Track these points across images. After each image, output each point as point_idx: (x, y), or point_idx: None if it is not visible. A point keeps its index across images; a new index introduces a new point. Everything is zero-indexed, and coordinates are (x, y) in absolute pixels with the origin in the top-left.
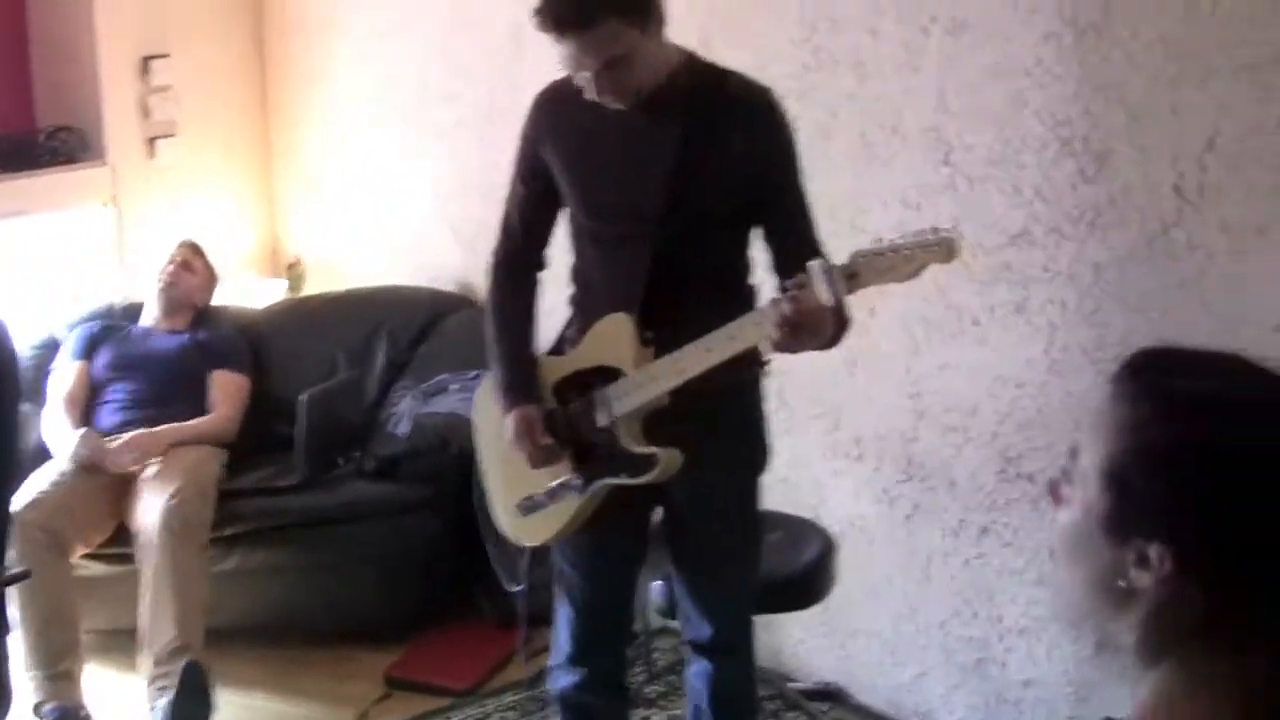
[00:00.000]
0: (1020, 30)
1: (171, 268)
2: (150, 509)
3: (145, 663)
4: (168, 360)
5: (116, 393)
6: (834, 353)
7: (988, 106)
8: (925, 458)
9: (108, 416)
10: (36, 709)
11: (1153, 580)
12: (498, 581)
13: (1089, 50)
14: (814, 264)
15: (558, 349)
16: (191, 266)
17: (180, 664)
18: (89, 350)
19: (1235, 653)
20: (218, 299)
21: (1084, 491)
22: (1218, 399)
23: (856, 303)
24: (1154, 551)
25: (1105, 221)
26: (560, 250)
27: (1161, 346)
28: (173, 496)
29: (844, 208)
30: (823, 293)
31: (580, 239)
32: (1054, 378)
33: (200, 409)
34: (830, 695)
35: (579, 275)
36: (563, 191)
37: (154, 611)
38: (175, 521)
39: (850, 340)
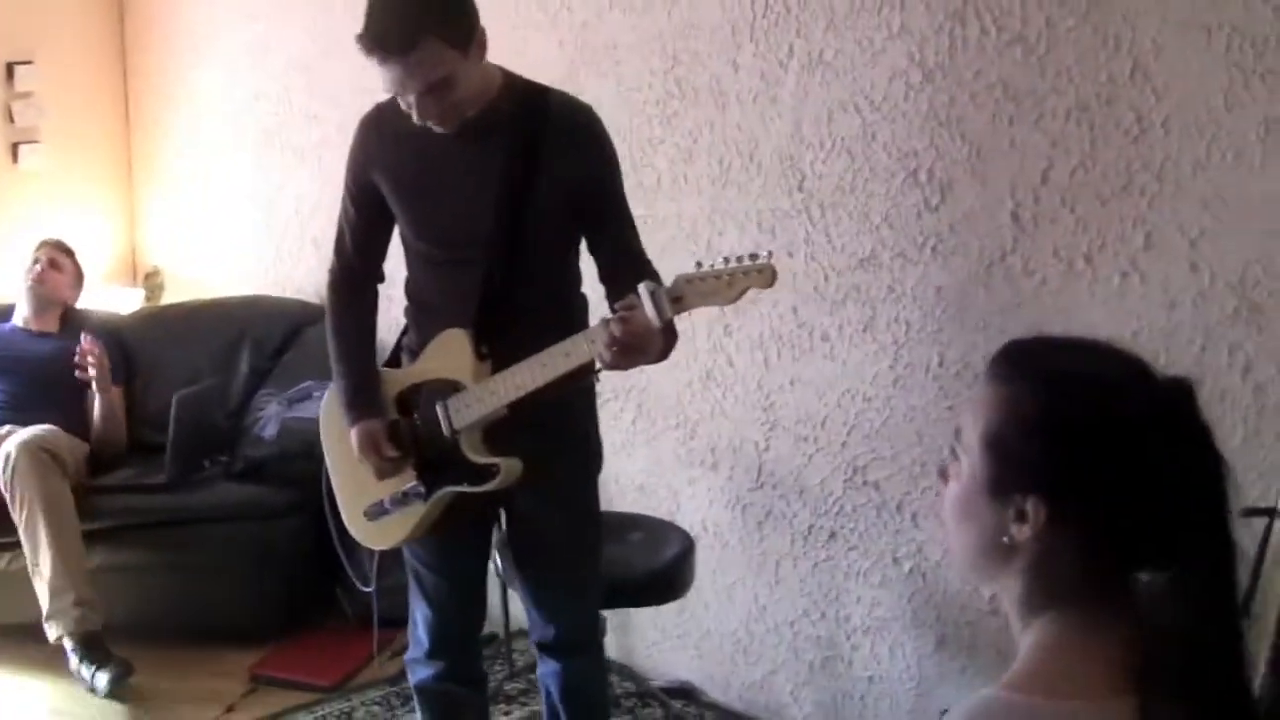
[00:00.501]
0: (871, 69)
1: (39, 267)
2: (14, 439)
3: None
4: (41, 363)
5: None
6: (690, 367)
7: (840, 138)
8: (776, 466)
9: None
10: None
11: (1031, 532)
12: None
13: (935, 89)
14: (642, 287)
15: (394, 360)
16: (59, 265)
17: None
18: None
19: (1108, 600)
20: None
21: (968, 462)
22: (1079, 372)
23: (714, 320)
24: (1030, 505)
25: (947, 247)
26: (396, 262)
27: (1030, 336)
28: (37, 430)
29: (703, 229)
30: (650, 314)
31: (413, 258)
32: (898, 392)
33: (73, 413)
34: (684, 694)
35: (412, 291)
36: (394, 212)
37: (35, 554)
38: (35, 445)
39: (705, 356)
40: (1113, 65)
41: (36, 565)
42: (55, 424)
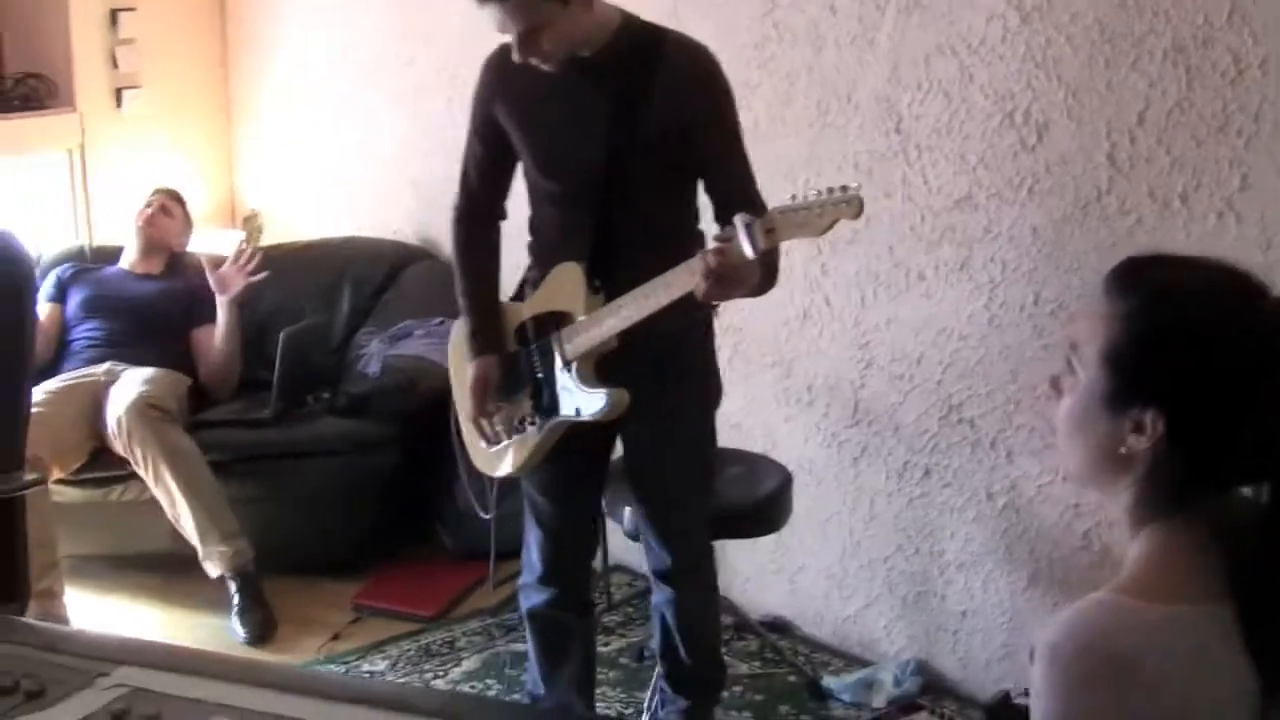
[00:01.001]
0: (968, 11)
1: (150, 210)
2: (116, 405)
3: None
4: (145, 302)
5: (91, 331)
6: (788, 306)
7: (936, 80)
8: (872, 404)
9: (80, 353)
10: None
11: (1148, 443)
12: (457, 516)
13: (1032, 31)
14: (737, 218)
15: (519, 295)
16: (170, 211)
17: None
18: (61, 293)
19: (1212, 512)
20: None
21: (1085, 375)
22: (1197, 287)
23: (811, 260)
24: (1149, 417)
25: (1043, 188)
26: (520, 201)
27: (1146, 253)
28: (141, 388)
29: (801, 170)
30: (745, 245)
31: (535, 193)
32: (993, 331)
33: (175, 353)
34: (779, 627)
35: (535, 226)
36: (516, 149)
37: (173, 507)
38: (143, 404)
39: (802, 295)
40: (1209, 6)
41: (177, 515)
42: (155, 362)
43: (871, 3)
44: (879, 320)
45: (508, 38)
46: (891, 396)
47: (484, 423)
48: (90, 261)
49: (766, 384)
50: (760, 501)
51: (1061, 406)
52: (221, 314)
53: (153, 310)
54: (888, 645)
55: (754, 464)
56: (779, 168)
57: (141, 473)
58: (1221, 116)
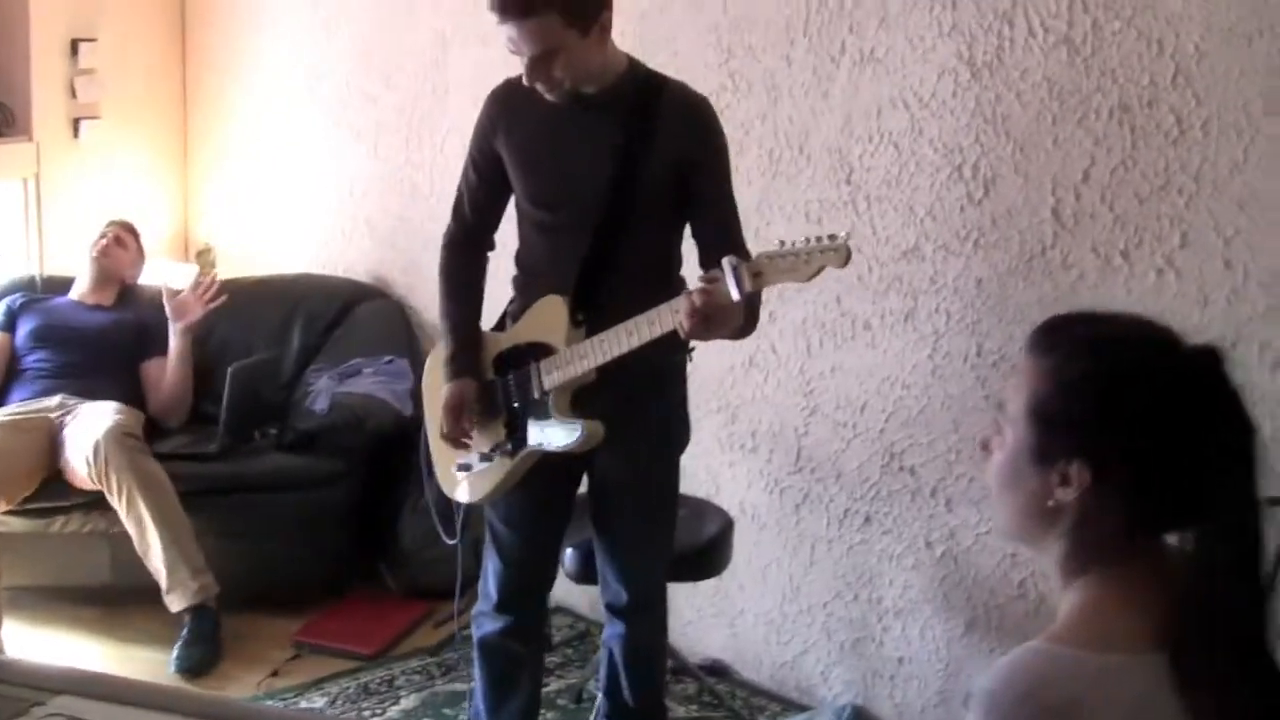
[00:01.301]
0: (920, 65)
1: (104, 241)
2: (89, 434)
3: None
4: (96, 333)
5: (41, 360)
6: (734, 353)
7: (888, 132)
8: (815, 451)
9: (29, 384)
10: None
11: (1075, 494)
12: (402, 554)
13: (982, 87)
14: (725, 260)
15: (500, 325)
16: (124, 243)
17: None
18: (10, 322)
19: (1145, 559)
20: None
21: (1012, 432)
22: (1113, 338)
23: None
24: (1074, 468)
25: (989, 241)
26: (506, 236)
27: (1067, 312)
28: (115, 417)
29: (752, 218)
30: (731, 286)
31: (525, 225)
32: (937, 381)
33: (125, 384)
34: (718, 671)
35: (522, 259)
36: (511, 180)
37: (143, 538)
38: (120, 432)
39: (749, 342)
40: (1155, 68)
41: (146, 546)
42: (109, 394)
43: (826, 54)
44: (824, 368)
45: (518, 62)
46: (834, 444)
47: (455, 444)
48: (41, 291)
49: (711, 429)
50: (702, 545)
51: (991, 465)
52: (175, 341)
53: (104, 340)
54: (825, 690)
55: (696, 508)
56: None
57: (115, 501)
58: (1164, 175)
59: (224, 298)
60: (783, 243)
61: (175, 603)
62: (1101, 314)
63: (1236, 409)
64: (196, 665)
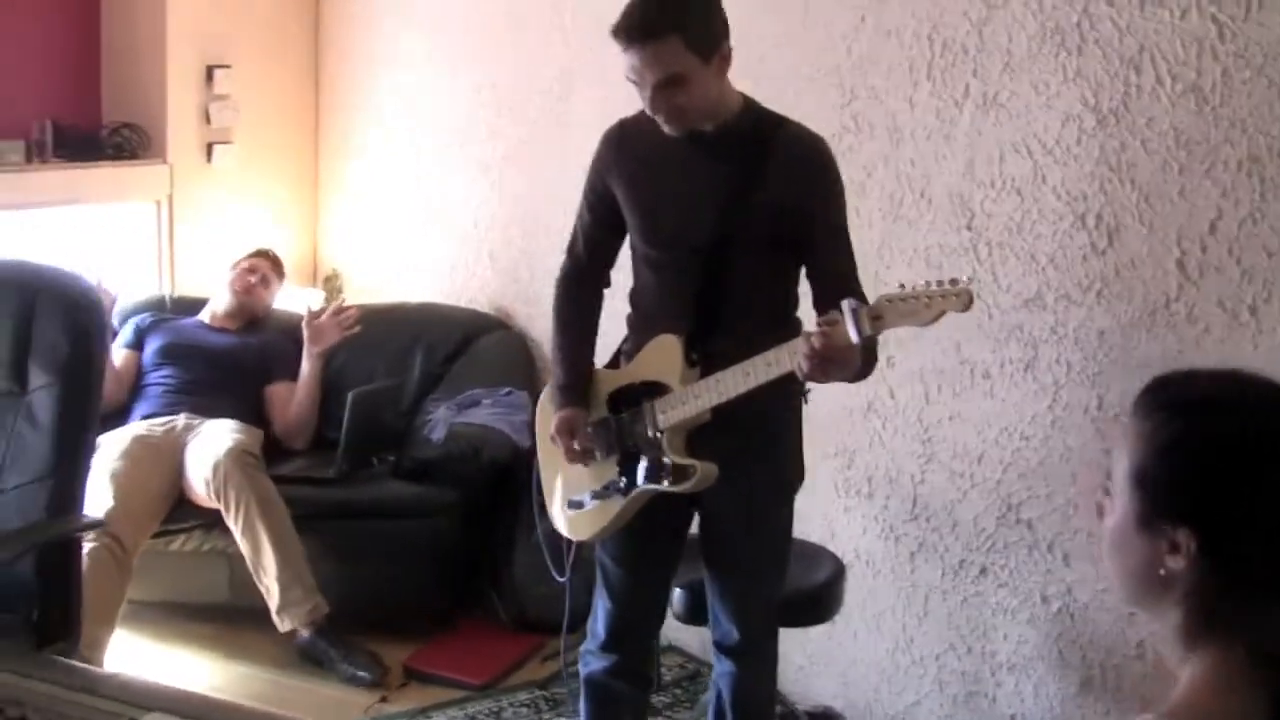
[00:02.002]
0: (1044, 112)
1: (254, 279)
2: (210, 452)
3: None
4: (221, 353)
5: (166, 377)
6: (852, 398)
7: (1010, 178)
8: (931, 499)
9: (153, 400)
10: None
11: (1185, 563)
12: (514, 586)
13: (1107, 134)
14: (845, 303)
15: (614, 363)
16: (270, 284)
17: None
18: (139, 340)
19: (1267, 632)
20: None
21: (1119, 499)
22: (1215, 399)
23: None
24: (1181, 535)
25: (1112, 292)
26: (621, 274)
27: (1171, 371)
28: (235, 436)
29: (872, 261)
30: (850, 329)
31: (639, 264)
32: (1056, 432)
33: (247, 405)
34: (828, 719)
35: (636, 297)
36: (625, 219)
37: (257, 557)
38: (239, 450)
39: (867, 387)
40: None
41: (260, 565)
42: (231, 413)
43: (950, 98)
44: (942, 416)
45: (639, 99)
46: (951, 493)
47: (580, 461)
48: (170, 312)
49: (827, 474)
50: (814, 590)
51: (1103, 530)
52: (308, 365)
53: (229, 361)
54: None
55: (810, 552)
56: (870, 283)
57: (231, 520)
58: None
59: (359, 327)
60: (903, 286)
61: (285, 622)
62: (1205, 372)
63: None
64: (377, 669)
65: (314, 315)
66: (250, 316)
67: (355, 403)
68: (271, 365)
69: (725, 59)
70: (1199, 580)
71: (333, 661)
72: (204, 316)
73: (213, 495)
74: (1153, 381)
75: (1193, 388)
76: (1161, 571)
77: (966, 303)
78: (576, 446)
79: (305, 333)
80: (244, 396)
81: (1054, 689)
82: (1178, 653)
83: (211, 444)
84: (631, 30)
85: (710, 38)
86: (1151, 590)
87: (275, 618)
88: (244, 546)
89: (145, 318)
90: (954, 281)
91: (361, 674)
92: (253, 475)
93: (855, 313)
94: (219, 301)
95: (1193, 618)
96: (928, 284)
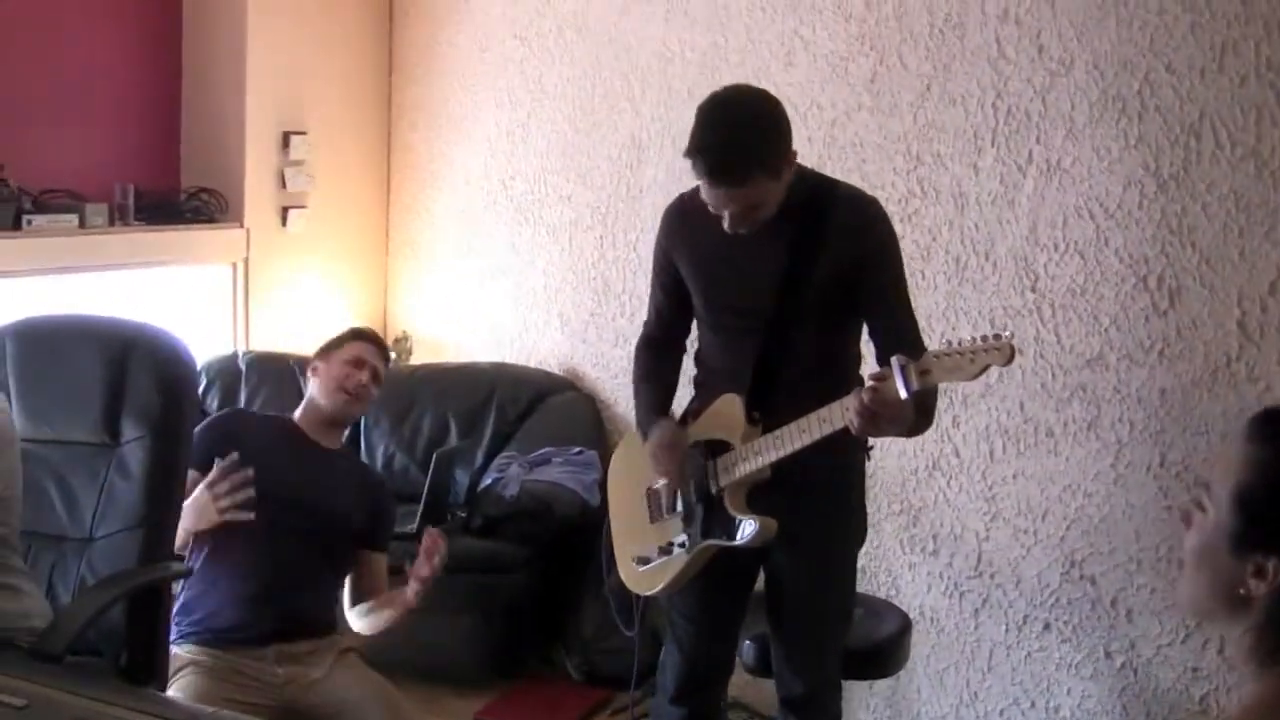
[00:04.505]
0: (1106, 176)
1: (364, 377)
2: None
3: None
4: (322, 510)
5: (241, 566)
6: (917, 456)
7: (1073, 241)
8: (995, 556)
9: (225, 605)
10: None
11: (1267, 589)
12: (583, 641)
13: (1168, 198)
14: (894, 359)
15: (682, 422)
16: (380, 379)
17: None
18: (207, 460)
19: None
20: None
21: (1215, 513)
22: None
23: (942, 411)
24: (1271, 564)
25: (1174, 352)
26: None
27: None
28: (359, 683)
29: (937, 323)
30: (899, 384)
31: (703, 327)
32: (1119, 490)
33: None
34: None
35: (701, 359)
36: (689, 288)
37: None
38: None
39: (932, 446)
40: None
41: None
42: (319, 597)
43: (1013, 163)
44: (1006, 474)
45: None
46: (1015, 550)
47: (656, 530)
48: (244, 369)
49: (891, 531)
50: (878, 645)
51: (1188, 539)
52: (394, 614)
53: (335, 524)
54: None
55: (874, 607)
56: (929, 338)
57: None
58: None
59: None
60: (949, 342)
61: None
62: None
63: None
64: None
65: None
66: (345, 426)
67: (438, 460)
68: (376, 530)
69: (791, 163)
70: (1276, 609)
71: None
72: (299, 424)
73: None
74: (1272, 410)
75: None
76: (1241, 592)
77: (1008, 357)
78: (678, 457)
79: (412, 583)
80: (339, 567)
81: None
82: (1242, 668)
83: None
84: (717, 173)
85: (785, 159)
86: (1226, 607)
87: None
88: None
89: (213, 433)
90: (997, 336)
91: None
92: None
93: (904, 368)
94: (313, 408)
95: (1263, 642)
96: (972, 339)
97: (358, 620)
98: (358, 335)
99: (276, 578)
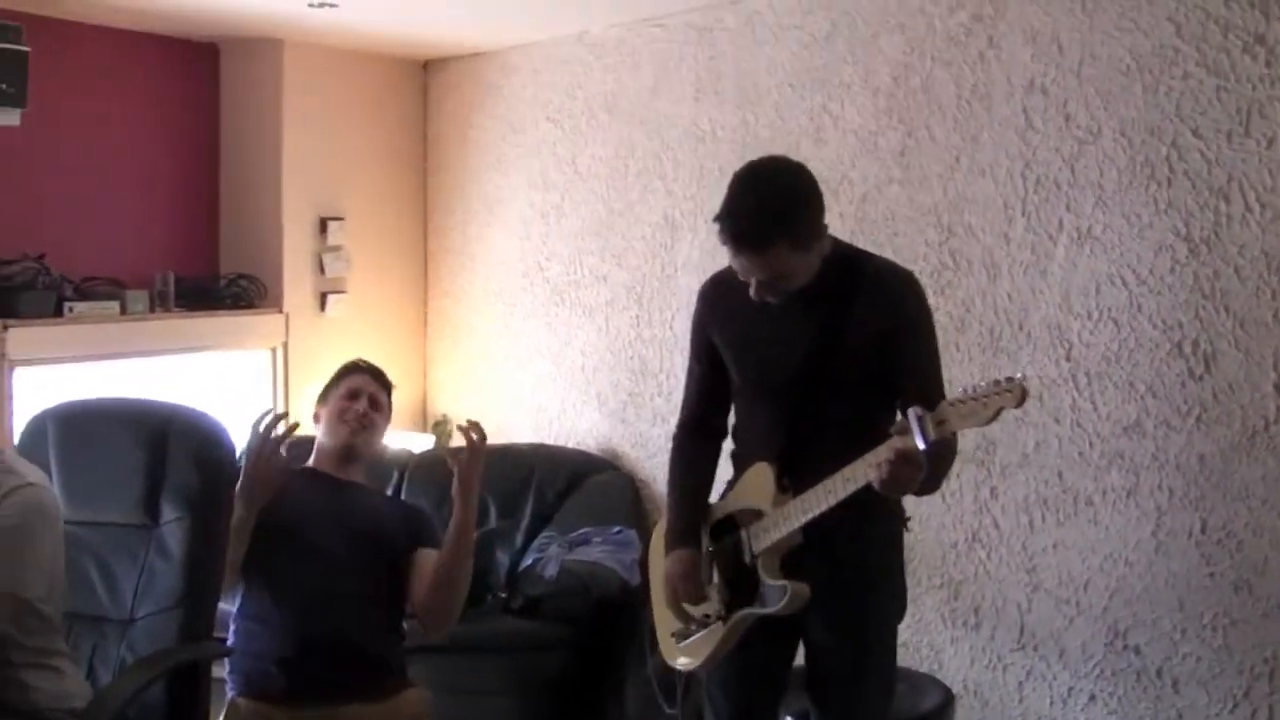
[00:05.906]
0: (1137, 242)
1: (361, 406)
2: None
3: None
4: (365, 523)
5: (271, 619)
6: (956, 529)
7: (1107, 309)
8: (1038, 627)
9: (257, 653)
10: None
11: None
12: (624, 718)
13: (1200, 263)
14: (910, 411)
15: (721, 497)
16: (380, 405)
17: None
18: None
19: None
20: None
21: None
22: None
23: (981, 483)
24: None
25: (1210, 417)
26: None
27: None
28: None
29: None
30: (916, 436)
31: (738, 401)
32: (1160, 558)
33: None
34: None
35: (737, 432)
36: (725, 364)
37: None
38: None
39: (971, 519)
40: None
41: None
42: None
43: (1044, 232)
44: (1046, 544)
45: (742, 274)
46: (1057, 621)
47: (692, 600)
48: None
49: (932, 604)
50: (921, 719)
51: None
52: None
53: (374, 542)
54: None
55: (917, 682)
56: (952, 393)
57: None
58: None
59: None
60: (964, 389)
61: None
62: None
63: None
64: None
65: (455, 451)
66: (360, 459)
67: (479, 543)
68: (419, 530)
69: (820, 237)
70: None
71: None
72: (322, 468)
73: None
74: None
75: None
76: None
77: (1020, 397)
78: (691, 587)
79: (456, 478)
80: (391, 595)
81: None
82: None
83: None
84: (739, 239)
85: (813, 232)
86: None
87: None
88: None
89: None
90: (1009, 379)
91: None
92: None
93: (920, 420)
94: (327, 451)
95: None
96: (986, 384)
97: (428, 600)
98: (350, 369)
99: (326, 614)
